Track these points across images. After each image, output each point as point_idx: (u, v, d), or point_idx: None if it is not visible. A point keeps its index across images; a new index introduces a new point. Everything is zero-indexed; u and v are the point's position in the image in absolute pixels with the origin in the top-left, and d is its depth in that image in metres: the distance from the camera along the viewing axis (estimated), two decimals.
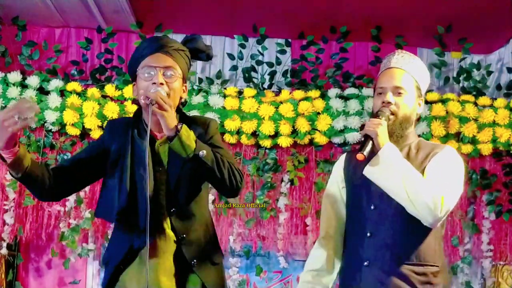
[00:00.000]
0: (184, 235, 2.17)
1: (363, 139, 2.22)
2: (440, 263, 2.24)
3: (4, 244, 3.94)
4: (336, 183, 2.44)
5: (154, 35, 2.22)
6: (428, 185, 2.13)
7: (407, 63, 2.35)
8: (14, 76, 3.91)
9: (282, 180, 3.99)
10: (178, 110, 2.25)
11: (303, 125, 3.90)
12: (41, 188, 2.14)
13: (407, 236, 2.20)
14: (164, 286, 2.16)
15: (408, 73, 2.33)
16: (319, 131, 3.93)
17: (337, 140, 3.95)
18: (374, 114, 2.28)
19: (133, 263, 2.18)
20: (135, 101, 2.27)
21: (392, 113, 2.27)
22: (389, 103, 2.27)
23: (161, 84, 2.13)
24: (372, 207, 2.26)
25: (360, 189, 2.30)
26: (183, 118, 2.26)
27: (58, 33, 4.27)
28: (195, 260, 2.18)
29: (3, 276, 4.00)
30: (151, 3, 3.89)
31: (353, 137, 3.93)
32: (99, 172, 2.25)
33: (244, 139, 3.93)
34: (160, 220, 2.16)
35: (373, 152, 2.18)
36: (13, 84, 3.90)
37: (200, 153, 2.04)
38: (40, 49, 4.13)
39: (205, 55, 2.34)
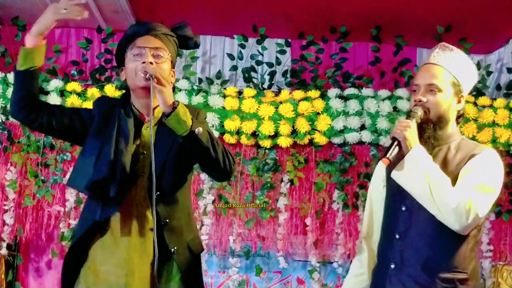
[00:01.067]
0: (167, 220, 2.17)
1: (391, 141, 2.14)
2: (470, 270, 2.15)
3: (4, 244, 3.94)
4: (377, 182, 2.40)
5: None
6: (456, 190, 2.06)
7: (445, 58, 2.25)
8: None
9: (282, 180, 3.99)
10: None
11: (303, 125, 3.90)
12: (27, 96, 2.20)
13: (436, 240, 2.13)
14: (136, 267, 2.15)
15: (445, 69, 2.23)
16: (319, 131, 3.92)
17: (337, 140, 3.95)
18: (407, 114, 2.22)
19: (105, 239, 2.17)
20: (122, 87, 2.29)
21: (425, 112, 2.19)
22: (420, 101, 2.20)
23: (150, 63, 2.15)
24: (403, 209, 2.20)
25: (395, 190, 2.24)
26: None
27: (58, 33, 4.27)
28: (175, 248, 2.18)
29: (3, 276, 4.00)
30: (151, 3, 3.89)
31: (353, 137, 3.93)
32: (73, 131, 2.25)
33: (244, 139, 3.93)
34: (139, 202, 2.16)
35: (403, 155, 2.12)
36: (13, 84, 3.89)
37: (196, 130, 2.06)
38: None
39: (192, 42, 2.36)
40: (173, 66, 2.29)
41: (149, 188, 2.15)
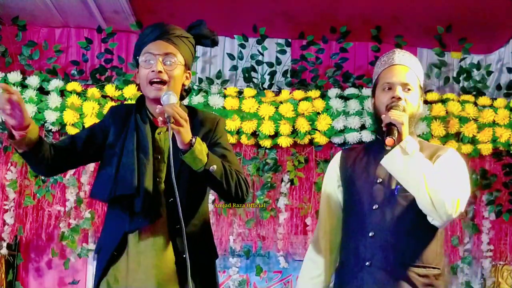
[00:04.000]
0: (177, 226, 2.13)
1: (385, 128, 2.14)
2: (441, 266, 2.22)
3: (4, 244, 3.94)
4: (331, 182, 2.41)
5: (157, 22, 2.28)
6: (449, 185, 2.09)
7: (409, 61, 2.32)
8: (14, 76, 3.91)
9: (282, 180, 3.99)
10: (182, 98, 2.29)
11: (303, 125, 3.90)
12: (39, 164, 2.13)
13: (410, 237, 2.17)
14: (146, 265, 2.15)
15: (413, 71, 2.30)
16: (319, 131, 3.93)
17: (337, 140, 3.95)
18: (388, 108, 2.22)
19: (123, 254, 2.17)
20: (139, 87, 2.29)
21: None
22: (399, 98, 2.22)
23: (160, 72, 2.14)
24: (374, 207, 2.22)
25: (361, 188, 2.26)
26: (192, 113, 2.27)
27: (58, 33, 4.27)
28: (187, 254, 2.15)
29: (3, 276, 4.00)
30: (151, 3, 3.89)
31: (353, 137, 3.93)
32: (95, 153, 2.24)
33: (244, 139, 3.93)
34: (157, 208, 2.15)
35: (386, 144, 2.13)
36: (13, 84, 3.89)
37: (211, 168, 2.05)
38: (40, 49, 4.13)
39: (209, 41, 2.35)
40: (188, 68, 2.27)
41: (165, 193, 2.15)
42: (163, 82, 2.16)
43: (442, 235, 2.26)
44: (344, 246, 2.33)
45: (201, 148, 2.04)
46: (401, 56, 2.33)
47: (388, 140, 2.08)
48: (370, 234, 2.21)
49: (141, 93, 2.28)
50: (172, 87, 2.17)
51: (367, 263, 2.20)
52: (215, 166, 2.05)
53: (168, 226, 2.16)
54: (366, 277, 2.20)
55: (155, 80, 2.16)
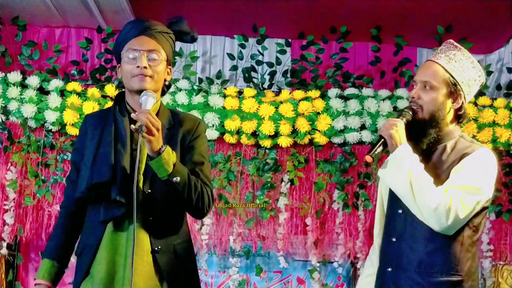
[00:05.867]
0: (151, 218, 2.17)
1: (378, 139, 2.13)
2: (465, 272, 2.12)
3: (4, 244, 3.94)
4: (383, 185, 2.38)
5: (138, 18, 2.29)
6: (436, 191, 2.04)
7: (445, 56, 2.23)
8: (14, 76, 3.91)
9: (282, 180, 3.99)
10: (163, 93, 2.33)
11: (303, 125, 3.90)
12: None
13: (429, 243, 2.12)
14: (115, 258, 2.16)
15: (442, 66, 2.20)
16: (319, 131, 3.93)
17: (337, 140, 3.95)
18: (398, 113, 2.21)
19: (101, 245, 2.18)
20: (120, 83, 2.31)
21: (418, 110, 2.17)
22: (413, 97, 2.20)
23: (145, 67, 2.18)
24: (399, 211, 2.19)
25: (393, 192, 2.22)
26: (173, 114, 2.31)
27: (58, 33, 4.27)
28: (159, 247, 2.16)
29: (3, 276, 4.00)
30: (151, 3, 3.89)
31: (353, 137, 3.93)
32: None
33: (244, 139, 3.93)
34: (134, 198, 2.14)
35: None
36: (13, 84, 3.90)
37: (174, 179, 2.09)
38: (40, 49, 4.13)
39: (189, 37, 2.38)
40: (169, 63, 2.31)
41: (143, 185, 2.17)
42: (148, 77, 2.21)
43: (471, 239, 2.14)
44: (380, 249, 2.32)
45: (168, 158, 2.08)
46: (442, 51, 2.26)
47: (366, 158, 2.10)
48: (393, 239, 2.20)
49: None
50: (155, 82, 2.21)
51: (389, 268, 2.19)
52: (178, 178, 2.09)
53: (142, 217, 2.16)
54: (387, 281, 2.19)
55: (140, 75, 2.19)
